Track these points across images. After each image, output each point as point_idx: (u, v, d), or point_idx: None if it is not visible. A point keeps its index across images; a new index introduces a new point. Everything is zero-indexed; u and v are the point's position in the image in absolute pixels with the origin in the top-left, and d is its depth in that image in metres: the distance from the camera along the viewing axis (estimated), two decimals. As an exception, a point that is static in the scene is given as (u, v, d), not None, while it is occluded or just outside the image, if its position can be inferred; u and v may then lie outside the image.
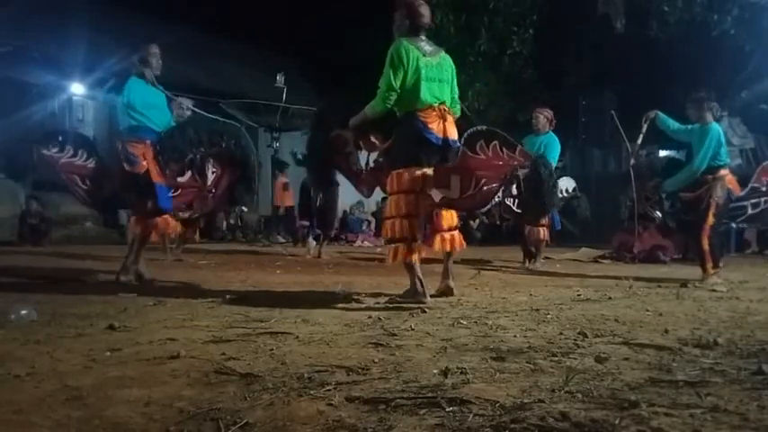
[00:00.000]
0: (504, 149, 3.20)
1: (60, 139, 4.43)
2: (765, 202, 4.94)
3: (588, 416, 1.30)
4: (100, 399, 1.46)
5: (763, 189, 4.93)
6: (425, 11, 3.44)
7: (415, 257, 3.34)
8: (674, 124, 4.88)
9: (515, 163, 3.29)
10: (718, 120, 4.82)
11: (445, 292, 3.58)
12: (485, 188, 3.34)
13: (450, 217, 3.55)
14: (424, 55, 3.37)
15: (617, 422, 1.27)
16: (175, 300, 3.30)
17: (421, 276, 3.35)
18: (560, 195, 6.79)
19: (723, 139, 4.67)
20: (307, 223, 7.28)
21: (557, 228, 6.33)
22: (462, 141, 3.38)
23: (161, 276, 4.46)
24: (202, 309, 3.00)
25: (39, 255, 6.83)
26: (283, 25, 16.22)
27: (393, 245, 3.39)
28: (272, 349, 2.03)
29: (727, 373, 1.74)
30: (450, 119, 3.43)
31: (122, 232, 9.81)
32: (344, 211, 13.48)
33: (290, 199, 11.20)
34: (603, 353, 1.96)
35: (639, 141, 5.03)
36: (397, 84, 3.30)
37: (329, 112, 3.90)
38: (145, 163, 4.18)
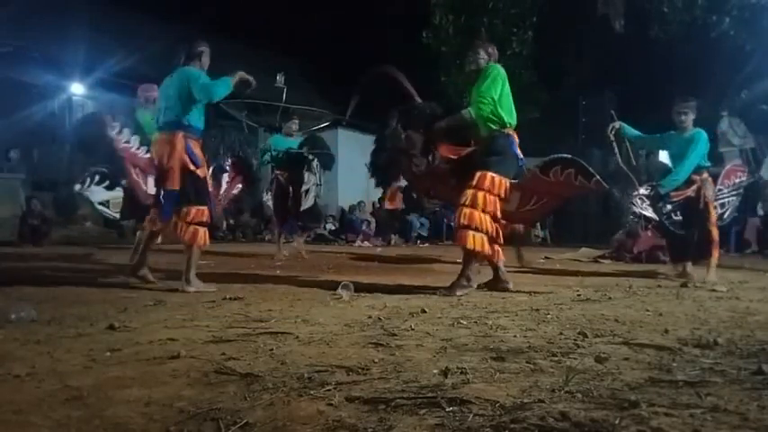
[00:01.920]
0: (578, 177, 3.57)
1: (118, 123, 4.39)
2: (729, 202, 5.50)
3: (588, 416, 1.30)
4: (100, 399, 1.46)
5: (725, 191, 5.47)
6: None
7: (488, 251, 3.72)
8: (637, 133, 5.17)
9: (586, 190, 3.67)
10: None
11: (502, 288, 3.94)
12: (544, 206, 3.84)
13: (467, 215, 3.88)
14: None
15: (617, 422, 1.27)
16: (175, 300, 3.30)
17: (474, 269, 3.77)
18: None
19: (708, 144, 5.02)
20: (281, 223, 7.17)
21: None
22: (541, 163, 3.79)
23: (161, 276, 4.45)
24: (202, 309, 3.00)
25: (39, 255, 6.83)
26: (283, 25, 16.24)
27: (470, 231, 3.64)
28: (272, 349, 2.03)
29: (727, 373, 1.74)
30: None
31: (122, 233, 9.84)
32: (343, 211, 13.49)
33: (400, 202, 12.13)
34: (603, 353, 1.96)
35: (617, 152, 5.16)
36: (496, 94, 3.77)
37: (416, 115, 4.09)
38: (204, 167, 3.85)
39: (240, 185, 5.76)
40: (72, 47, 10.41)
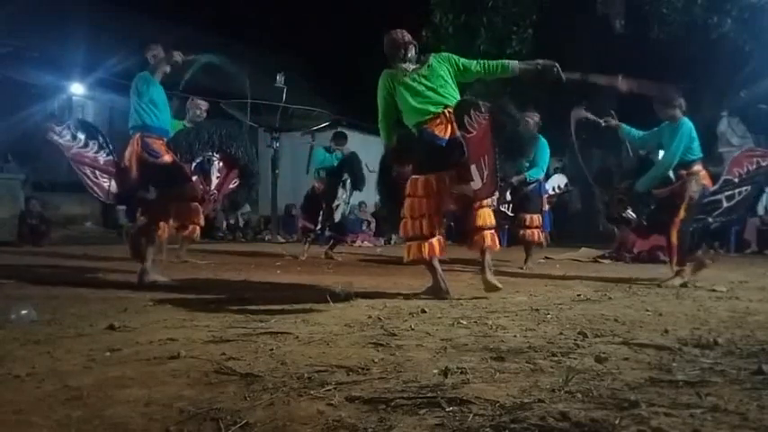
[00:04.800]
0: (477, 115, 3.19)
1: (72, 127, 4.44)
2: (739, 193, 4.85)
3: (588, 416, 1.30)
4: (100, 399, 1.46)
5: (736, 181, 4.85)
6: (398, 33, 3.72)
7: (432, 254, 3.48)
8: (637, 133, 4.93)
9: (487, 123, 3.19)
10: (686, 114, 4.62)
11: (485, 286, 3.59)
12: (489, 164, 3.23)
13: (484, 216, 3.60)
14: (405, 75, 3.58)
15: (617, 422, 1.27)
16: (175, 300, 3.30)
17: (442, 273, 3.55)
18: (553, 192, 7.05)
19: (695, 134, 4.56)
20: (311, 227, 7.28)
21: (547, 229, 6.46)
22: (457, 124, 3.41)
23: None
24: (202, 309, 3.00)
25: (39, 255, 6.83)
26: (283, 25, 16.24)
27: (408, 243, 3.54)
28: (272, 349, 2.03)
29: (727, 373, 1.74)
30: None
31: (122, 233, 9.84)
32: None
33: None
34: (603, 353, 1.96)
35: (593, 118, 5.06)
36: (381, 116, 3.65)
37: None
38: (169, 155, 4.20)
39: (236, 180, 5.73)
40: (72, 47, 10.42)
